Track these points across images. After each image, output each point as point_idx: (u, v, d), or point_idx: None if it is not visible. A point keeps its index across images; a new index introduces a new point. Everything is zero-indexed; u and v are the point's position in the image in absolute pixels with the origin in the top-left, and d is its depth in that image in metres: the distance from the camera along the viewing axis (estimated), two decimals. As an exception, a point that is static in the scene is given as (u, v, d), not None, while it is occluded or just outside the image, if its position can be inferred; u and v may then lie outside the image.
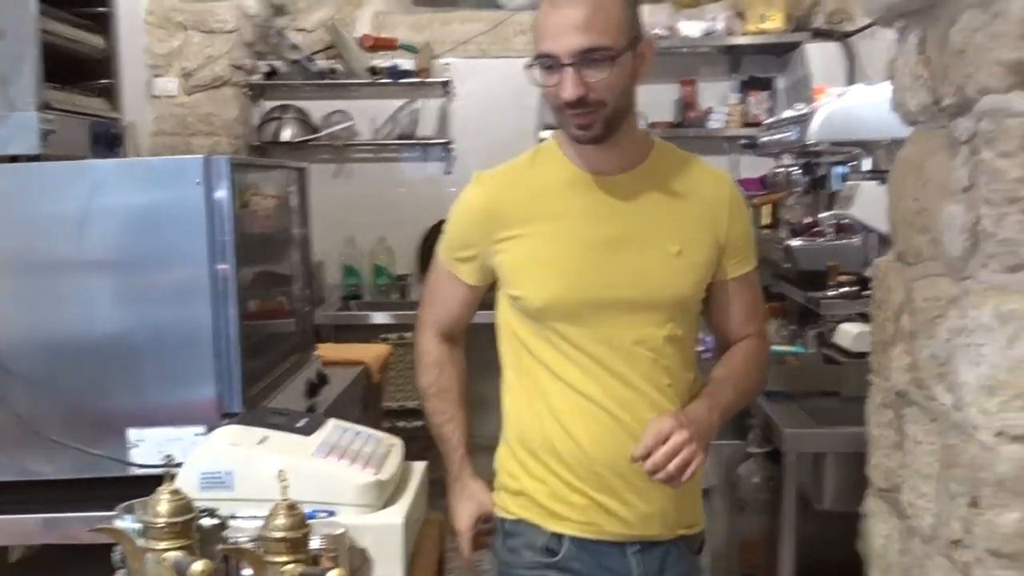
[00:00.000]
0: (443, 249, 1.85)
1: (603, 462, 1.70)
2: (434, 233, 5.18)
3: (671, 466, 1.57)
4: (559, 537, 1.73)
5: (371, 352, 3.31)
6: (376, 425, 2.30)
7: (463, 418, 1.85)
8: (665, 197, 1.75)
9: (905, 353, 1.95)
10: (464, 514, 1.80)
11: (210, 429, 1.91)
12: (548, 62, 1.62)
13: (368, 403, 3.20)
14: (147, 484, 1.91)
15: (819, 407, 2.70)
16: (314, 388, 2.46)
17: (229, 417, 1.90)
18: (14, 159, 2.19)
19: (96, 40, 2.72)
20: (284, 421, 1.70)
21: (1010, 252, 1.59)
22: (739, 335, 1.87)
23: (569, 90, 1.59)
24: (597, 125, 1.64)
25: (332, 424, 1.75)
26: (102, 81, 2.73)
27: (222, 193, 1.93)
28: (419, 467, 1.77)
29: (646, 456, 1.57)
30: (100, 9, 2.73)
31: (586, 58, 1.59)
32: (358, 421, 2.43)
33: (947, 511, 1.79)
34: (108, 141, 2.52)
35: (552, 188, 1.74)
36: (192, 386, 1.96)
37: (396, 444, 1.75)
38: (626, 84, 1.65)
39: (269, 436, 1.63)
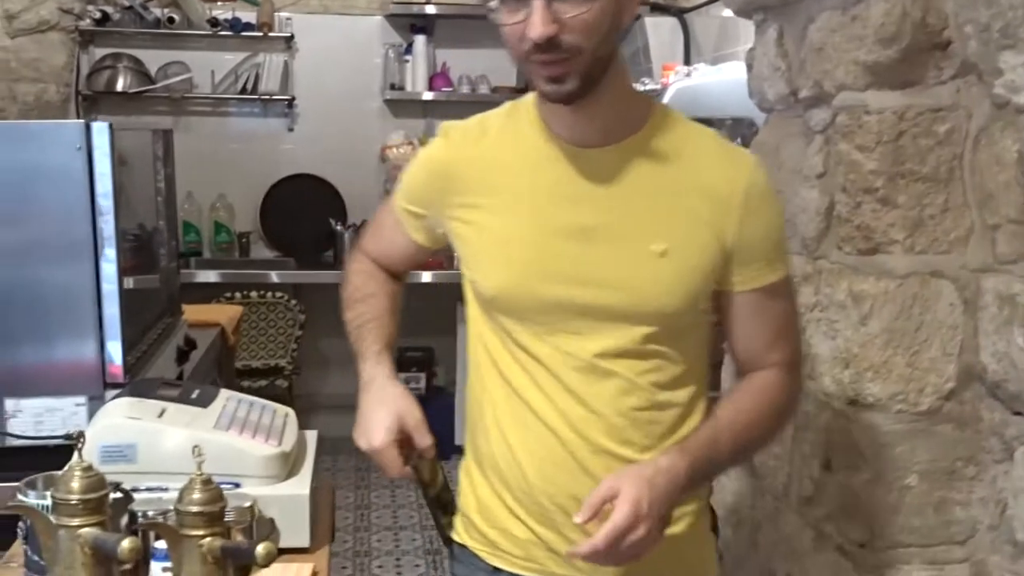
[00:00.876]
0: (398, 193, 1.57)
1: (545, 492, 1.41)
2: (275, 190, 5.13)
3: (616, 561, 1.28)
4: (498, 573, 1.48)
5: (226, 313, 3.28)
6: (229, 387, 2.31)
7: (388, 322, 1.56)
8: (657, 181, 1.38)
9: (761, 325, 2.11)
10: (378, 426, 1.41)
11: (91, 399, 1.89)
12: None
13: (222, 365, 3.18)
14: (21, 455, 1.89)
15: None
16: (184, 354, 2.44)
17: (113, 388, 1.88)
18: None
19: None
20: (176, 393, 1.71)
21: (864, 237, 1.76)
22: (760, 364, 1.46)
23: (537, 27, 1.23)
24: (572, 78, 1.29)
25: (225, 395, 1.76)
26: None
27: (103, 158, 1.90)
28: (312, 435, 1.81)
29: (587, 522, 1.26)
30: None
31: None
32: (214, 383, 2.44)
33: (799, 472, 1.97)
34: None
35: (519, 155, 1.43)
36: (74, 355, 1.92)
37: (290, 414, 1.78)
38: (609, 26, 1.29)
39: (167, 408, 1.63)
